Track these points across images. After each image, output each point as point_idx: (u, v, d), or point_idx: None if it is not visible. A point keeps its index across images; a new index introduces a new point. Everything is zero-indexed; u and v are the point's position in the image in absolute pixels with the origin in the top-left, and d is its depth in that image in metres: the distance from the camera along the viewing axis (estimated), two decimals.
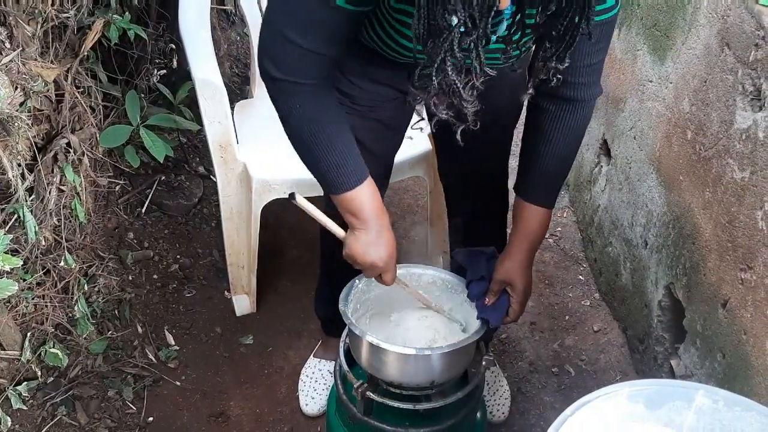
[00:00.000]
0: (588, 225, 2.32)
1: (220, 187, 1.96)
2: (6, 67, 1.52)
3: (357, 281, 1.47)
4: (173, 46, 2.41)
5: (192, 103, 2.25)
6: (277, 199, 1.92)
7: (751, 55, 1.34)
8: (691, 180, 1.60)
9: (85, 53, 1.84)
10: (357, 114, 1.41)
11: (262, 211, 1.94)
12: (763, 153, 1.30)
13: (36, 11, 1.66)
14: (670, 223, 1.72)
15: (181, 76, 2.42)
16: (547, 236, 2.40)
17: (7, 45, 1.56)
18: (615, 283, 2.08)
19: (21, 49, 1.56)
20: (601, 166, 2.21)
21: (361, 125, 1.41)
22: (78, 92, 1.83)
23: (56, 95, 1.80)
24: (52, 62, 1.73)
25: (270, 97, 1.21)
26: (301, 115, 1.18)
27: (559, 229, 2.44)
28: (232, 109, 2.05)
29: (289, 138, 1.24)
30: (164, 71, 2.37)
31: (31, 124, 1.69)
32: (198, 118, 2.14)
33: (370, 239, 1.24)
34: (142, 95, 2.22)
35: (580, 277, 2.26)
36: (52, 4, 1.72)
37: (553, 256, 2.34)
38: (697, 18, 1.57)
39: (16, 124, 1.56)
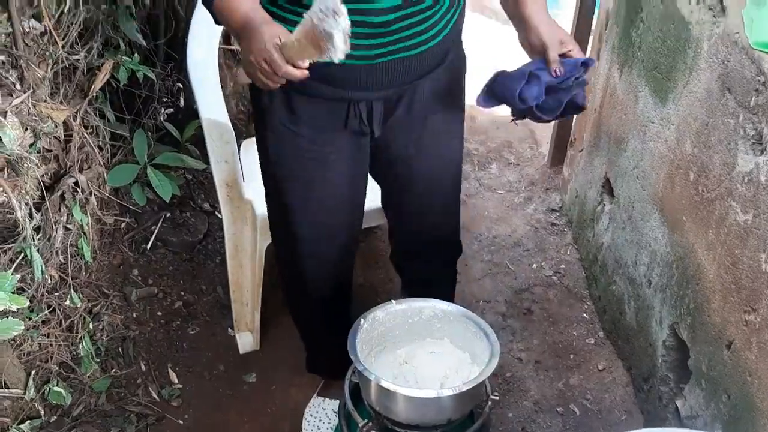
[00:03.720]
0: (592, 263, 2.32)
1: (226, 225, 1.97)
2: (16, 108, 1.54)
3: (362, 321, 1.48)
4: (180, 85, 2.44)
5: (198, 140, 2.28)
6: None
7: (752, 100, 1.36)
8: (695, 221, 1.61)
9: (94, 94, 1.87)
10: (319, 162, 1.49)
11: (265, 247, 1.96)
12: (765, 196, 1.31)
13: (47, 53, 1.69)
14: (673, 263, 1.72)
15: (188, 114, 2.45)
16: (550, 273, 2.41)
17: (18, 87, 1.59)
18: (619, 321, 2.07)
19: (32, 91, 1.59)
20: (604, 205, 2.23)
21: (325, 174, 1.50)
22: (86, 132, 1.85)
23: (65, 135, 1.82)
24: (61, 103, 1.76)
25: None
26: None
27: (563, 266, 2.44)
28: (239, 146, 2.07)
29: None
30: (171, 110, 2.41)
31: (40, 163, 1.71)
32: (204, 156, 2.16)
33: (252, 39, 1.18)
34: (150, 133, 2.25)
35: (585, 315, 2.26)
36: (63, 46, 1.75)
37: (557, 293, 2.34)
38: (697, 62, 1.59)
39: (25, 164, 1.58)
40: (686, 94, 1.65)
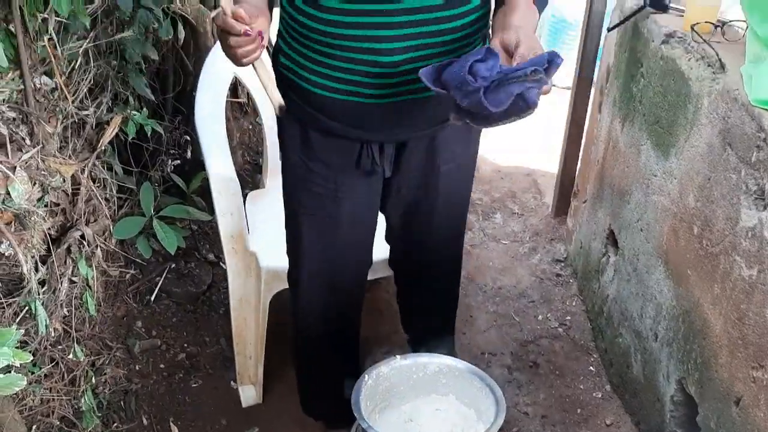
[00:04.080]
0: (597, 315, 2.31)
1: (230, 277, 1.97)
2: (26, 163, 1.57)
3: (366, 376, 1.47)
4: (188, 138, 2.48)
5: (204, 191, 2.30)
6: (286, 288, 1.94)
7: (753, 156, 1.37)
8: (699, 275, 1.61)
9: (103, 147, 1.89)
10: (330, 198, 1.53)
11: (270, 299, 1.95)
12: None
13: (57, 109, 1.72)
14: (679, 317, 1.71)
15: (194, 165, 2.48)
16: (556, 325, 2.40)
17: (28, 142, 1.61)
18: (626, 375, 2.05)
19: (41, 146, 1.61)
20: (609, 256, 2.22)
21: (336, 210, 1.54)
22: (94, 185, 1.87)
23: (72, 188, 1.84)
24: (70, 157, 1.78)
25: None
26: None
27: (569, 318, 2.43)
28: (244, 198, 2.09)
29: None
30: (178, 161, 2.44)
31: (47, 217, 1.73)
32: (210, 207, 2.18)
33: None
34: (156, 185, 2.27)
35: (591, 368, 2.24)
36: (73, 102, 1.78)
37: (563, 345, 2.32)
38: (698, 117, 1.61)
39: (32, 218, 1.59)
40: (688, 149, 1.67)
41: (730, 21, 1.72)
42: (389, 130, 1.43)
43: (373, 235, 1.69)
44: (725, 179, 1.48)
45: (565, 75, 4.00)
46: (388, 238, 1.79)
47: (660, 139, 1.83)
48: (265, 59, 1.33)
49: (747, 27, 1.52)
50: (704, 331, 1.58)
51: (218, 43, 2.07)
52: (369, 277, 1.83)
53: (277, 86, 1.41)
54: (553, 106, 3.69)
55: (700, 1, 1.74)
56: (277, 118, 1.53)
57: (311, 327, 1.81)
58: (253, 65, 1.27)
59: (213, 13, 1.17)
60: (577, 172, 2.74)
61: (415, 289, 1.89)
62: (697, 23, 1.69)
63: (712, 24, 1.69)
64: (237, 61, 1.23)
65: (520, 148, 3.39)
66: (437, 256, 1.78)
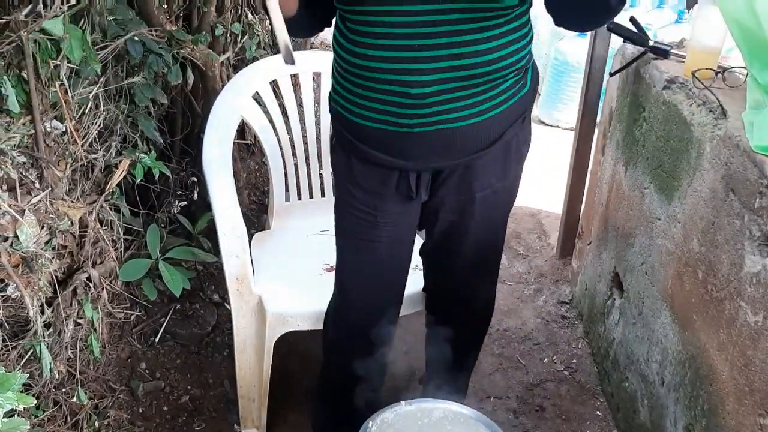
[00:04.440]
0: (603, 358, 2.29)
1: (235, 319, 1.97)
2: (34, 207, 1.58)
3: (370, 423, 1.45)
4: (195, 179, 2.50)
5: (210, 231, 2.31)
6: (291, 330, 1.94)
7: (756, 202, 1.37)
8: (705, 320, 1.60)
9: (111, 190, 1.91)
10: (370, 223, 1.59)
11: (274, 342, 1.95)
12: None
13: (67, 153, 1.74)
14: (686, 362, 1.70)
15: (200, 206, 2.49)
16: (562, 368, 2.38)
17: (37, 185, 1.63)
18: (633, 420, 2.03)
19: (50, 189, 1.63)
20: (614, 299, 2.22)
21: (376, 234, 1.60)
22: (101, 227, 1.89)
23: (80, 230, 1.86)
24: (78, 199, 1.80)
25: None
26: None
27: (575, 361, 2.41)
28: (250, 239, 2.10)
29: None
30: (185, 202, 2.45)
31: (54, 259, 1.74)
32: (216, 247, 2.19)
33: None
34: (162, 226, 2.29)
35: (598, 412, 2.21)
36: (83, 145, 1.81)
37: (570, 389, 2.30)
38: (701, 163, 1.62)
39: (40, 261, 1.60)
40: (691, 193, 1.68)
41: (731, 67, 1.75)
42: (424, 158, 1.49)
43: (410, 257, 1.74)
44: (729, 224, 1.49)
45: (568, 116, 4.05)
46: (422, 252, 1.83)
47: (663, 183, 1.84)
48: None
49: (747, 73, 1.54)
50: (711, 377, 1.57)
51: (228, 85, 2.12)
52: (401, 313, 1.85)
53: (331, 122, 1.58)
54: (557, 146, 3.72)
55: (701, 47, 1.77)
56: (331, 145, 1.63)
57: (342, 353, 1.84)
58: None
59: None
60: (581, 214, 2.75)
61: (443, 319, 1.89)
62: (698, 69, 1.71)
63: (713, 70, 1.72)
64: None
65: (525, 188, 3.39)
66: (469, 287, 1.81)
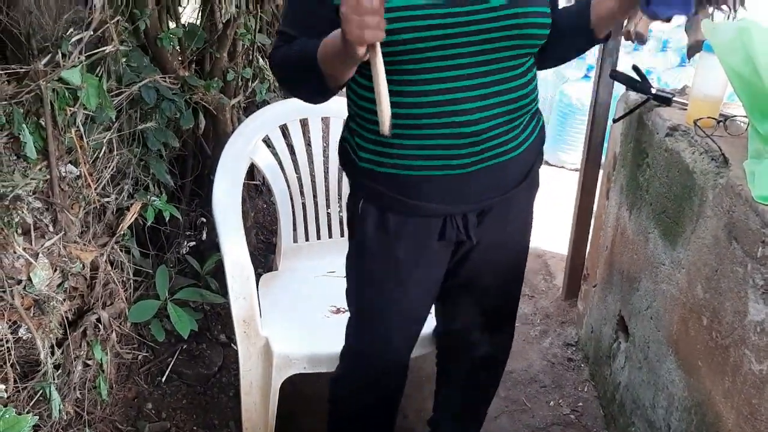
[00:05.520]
0: (610, 402, 2.29)
1: (241, 360, 1.98)
2: (48, 250, 1.61)
3: None
4: (204, 219, 2.53)
5: (218, 271, 2.34)
6: (297, 372, 1.95)
7: (759, 251, 1.39)
8: (710, 367, 1.60)
9: (122, 232, 1.94)
10: (407, 270, 1.55)
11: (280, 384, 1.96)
12: None
13: (80, 196, 1.78)
14: (691, 409, 1.70)
15: (209, 245, 2.52)
16: (568, 411, 2.37)
17: (51, 229, 1.66)
18: None
19: (63, 233, 1.66)
20: (620, 342, 2.22)
21: (408, 278, 1.56)
22: (111, 269, 1.91)
23: (90, 272, 1.88)
24: (90, 242, 1.83)
25: (274, 74, 1.44)
26: (285, 50, 1.36)
27: (581, 404, 2.41)
28: (258, 281, 2.12)
29: (286, 78, 1.41)
30: (194, 242, 2.49)
31: (64, 301, 1.76)
32: (223, 287, 2.21)
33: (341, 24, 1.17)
34: (171, 267, 2.32)
35: None
36: (96, 189, 1.85)
37: None
38: (704, 210, 1.64)
39: (51, 303, 1.63)
40: (695, 240, 1.69)
41: (733, 116, 1.78)
42: (476, 198, 1.49)
43: (436, 297, 1.70)
44: (732, 272, 1.50)
45: (574, 157, 4.08)
46: (438, 300, 1.78)
47: (667, 228, 1.86)
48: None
49: (749, 123, 1.57)
50: (717, 425, 1.57)
51: (238, 129, 2.14)
52: (420, 353, 1.85)
53: (354, 184, 1.51)
54: (563, 186, 3.75)
55: (702, 96, 1.80)
56: (348, 205, 1.57)
57: (354, 398, 1.82)
58: (372, 52, 1.18)
59: None
60: (587, 256, 2.77)
61: (454, 369, 1.89)
62: (700, 118, 1.74)
63: (715, 119, 1.75)
64: (365, 36, 1.13)
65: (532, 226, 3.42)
66: (486, 331, 1.79)
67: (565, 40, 1.49)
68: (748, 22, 1.57)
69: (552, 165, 4.27)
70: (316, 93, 1.39)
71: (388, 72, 1.23)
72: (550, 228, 3.37)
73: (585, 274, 2.71)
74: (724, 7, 2.04)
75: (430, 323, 1.91)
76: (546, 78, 4.75)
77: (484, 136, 1.41)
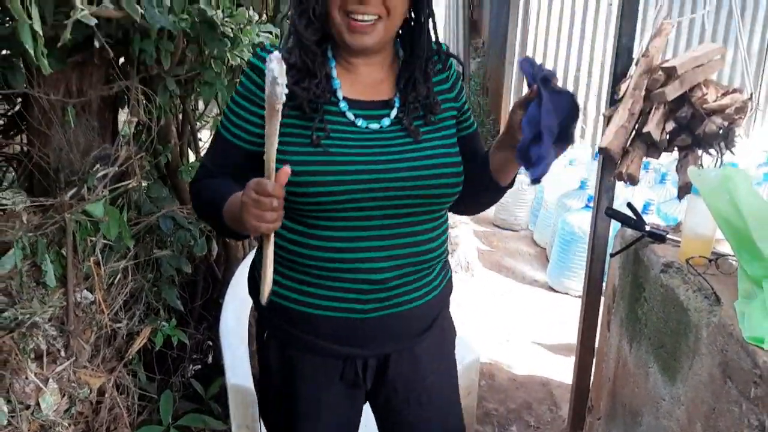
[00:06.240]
0: None
1: None
2: (58, 375, 1.65)
3: None
4: (210, 343, 2.57)
5: (222, 395, 2.34)
6: None
7: (752, 391, 1.42)
8: None
9: (130, 357, 1.99)
10: (311, 413, 1.53)
11: None
12: None
13: (93, 321, 1.84)
14: None
15: (214, 369, 2.54)
16: None
17: (62, 354, 1.71)
18: None
19: (74, 359, 1.71)
20: None
21: (315, 424, 1.53)
22: (117, 394, 1.94)
23: (97, 397, 1.91)
24: (99, 366, 1.87)
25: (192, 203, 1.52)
26: (202, 186, 1.45)
27: None
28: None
29: (199, 211, 1.51)
30: (199, 366, 2.51)
31: (69, 425, 1.78)
32: (226, 412, 2.21)
33: (242, 200, 1.23)
34: (176, 391, 2.33)
35: None
36: (108, 314, 1.91)
37: None
38: (699, 347, 1.68)
39: (57, 428, 1.65)
40: (692, 376, 1.72)
41: (725, 255, 1.85)
42: (376, 343, 1.49)
43: None
44: (728, 411, 1.52)
45: (578, 284, 4.14)
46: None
47: (666, 363, 1.88)
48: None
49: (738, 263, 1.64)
50: None
51: (249, 254, 2.21)
52: None
53: (260, 315, 1.54)
54: (567, 314, 3.78)
55: (694, 235, 1.88)
56: (257, 333, 1.59)
57: None
58: (266, 238, 1.27)
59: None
60: (591, 386, 2.76)
61: None
62: (692, 258, 1.81)
63: (707, 258, 1.82)
64: (260, 228, 1.22)
65: (536, 355, 3.43)
66: None
67: (474, 192, 1.53)
68: (731, 170, 1.67)
69: (557, 291, 4.31)
70: (222, 234, 1.50)
71: (299, 220, 1.38)
72: (556, 356, 3.38)
73: (590, 406, 2.69)
74: (711, 150, 2.17)
75: None
76: (549, 208, 4.90)
77: (390, 284, 1.43)
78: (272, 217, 1.20)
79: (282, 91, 1.11)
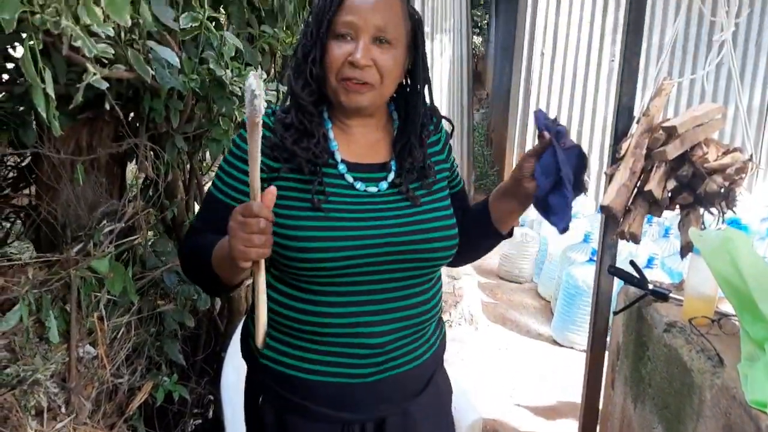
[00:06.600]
0: None
1: None
2: None
3: None
4: (211, 397, 2.55)
5: None
6: None
7: None
8: None
9: (131, 412, 1.97)
10: None
11: None
12: None
13: (95, 377, 1.84)
14: None
15: (215, 425, 2.52)
16: None
17: (63, 410, 1.70)
18: None
19: (75, 415, 1.70)
20: None
21: None
22: None
23: None
24: (99, 422, 1.86)
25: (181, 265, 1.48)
26: (191, 243, 1.42)
27: None
28: None
29: (187, 270, 1.45)
30: (200, 421, 2.49)
31: None
32: None
33: (229, 236, 1.21)
34: None
35: None
36: (110, 369, 1.90)
37: None
38: (702, 409, 1.67)
39: None
40: None
41: (727, 315, 1.85)
42: (372, 408, 1.47)
43: None
44: None
45: (583, 338, 4.11)
46: None
47: (670, 425, 1.86)
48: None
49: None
50: None
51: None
52: None
53: (253, 378, 1.52)
54: (571, 368, 3.74)
55: (696, 295, 1.88)
56: (246, 396, 1.56)
57: None
58: (256, 268, 1.26)
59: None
60: None
61: None
62: (695, 318, 1.81)
63: (709, 318, 1.81)
64: (249, 254, 1.20)
65: (540, 412, 3.39)
66: None
67: (472, 242, 1.54)
68: (732, 232, 1.69)
69: (561, 345, 4.28)
70: (208, 288, 1.48)
71: (293, 284, 1.37)
72: (560, 413, 3.34)
73: None
74: (713, 209, 2.18)
75: None
76: (553, 260, 4.90)
77: (387, 348, 1.42)
78: (260, 241, 1.18)
79: (261, 104, 1.13)
